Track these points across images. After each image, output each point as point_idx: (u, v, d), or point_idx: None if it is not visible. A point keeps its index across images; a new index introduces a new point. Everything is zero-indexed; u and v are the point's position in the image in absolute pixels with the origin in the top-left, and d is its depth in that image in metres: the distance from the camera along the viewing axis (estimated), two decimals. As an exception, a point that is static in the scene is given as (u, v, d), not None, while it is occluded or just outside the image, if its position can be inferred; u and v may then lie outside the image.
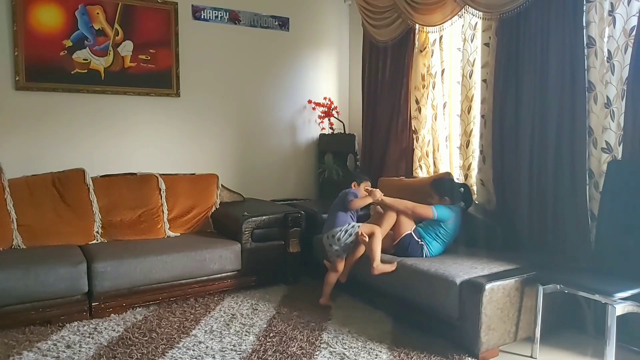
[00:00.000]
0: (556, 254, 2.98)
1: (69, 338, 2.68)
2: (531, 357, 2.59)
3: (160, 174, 3.82)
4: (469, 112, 3.61)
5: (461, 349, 2.56)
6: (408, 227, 3.14)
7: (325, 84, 4.95)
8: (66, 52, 3.72)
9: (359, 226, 3.17)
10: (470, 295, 2.50)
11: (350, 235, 3.16)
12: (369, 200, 3.23)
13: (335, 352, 2.56)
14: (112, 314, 3.01)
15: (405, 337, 2.74)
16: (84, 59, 3.79)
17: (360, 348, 2.61)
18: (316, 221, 3.82)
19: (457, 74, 3.77)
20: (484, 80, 3.46)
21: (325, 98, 4.80)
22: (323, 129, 4.85)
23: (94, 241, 3.40)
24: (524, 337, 2.65)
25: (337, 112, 4.81)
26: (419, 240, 3.07)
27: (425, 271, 2.77)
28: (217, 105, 4.39)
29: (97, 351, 2.53)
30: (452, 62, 3.87)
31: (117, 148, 3.97)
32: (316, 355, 2.52)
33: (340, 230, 3.17)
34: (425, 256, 3.03)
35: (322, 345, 2.63)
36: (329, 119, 4.79)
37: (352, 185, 3.37)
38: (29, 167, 3.52)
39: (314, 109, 4.80)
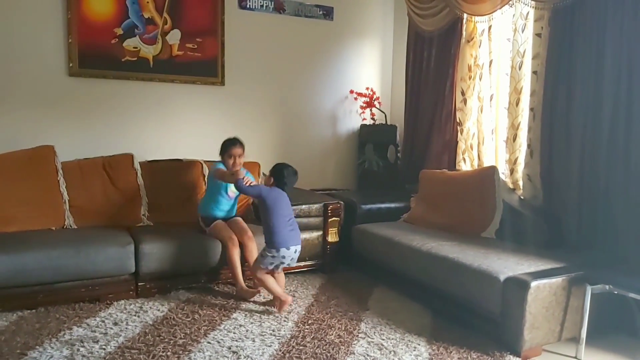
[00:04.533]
0: (606, 254, 2.87)
1: (117, 315, 2.79)
2: (575, 358, 2.51)
3: (204, 161, 3.89)
4: (517, 104, 3.50)
5: (502, 346, 2.51)
6: None
7: (367, 74, 4.92)
8: (117, 40, 3.83)
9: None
10: (514, 292, 2.44)
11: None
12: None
13: (373, 342, 2.56)
14: (157, 294, 3.11)
15: (444, 331, 2.71)
16: (134, 47, 3.90)
17: (398, 340, 2.60)
18: (355, 212, 3.82)
19: (506, 65, 3.67)
20: (534, 72, 3.34)
21: (367, 88, 4.77)
22: (364, 119, 4.82)
23: (141, 223, 3.51)
24: (569, 337, 2.58)
25: (379, 103, 4.77)
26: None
27: (468, 265, 2.72)
28: (260, 95, 4.43)
29: (142, 329, 2.62)
30: (500, 53, 3.76)
31: (164, 134, 4.07)
32: (354, 344, 2.53)
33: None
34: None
35: (360, 335, 2.64)
36: (371, 110, 4.75)
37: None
38: (81, 151, 3.66)
39: (355, 99, 4.78)
